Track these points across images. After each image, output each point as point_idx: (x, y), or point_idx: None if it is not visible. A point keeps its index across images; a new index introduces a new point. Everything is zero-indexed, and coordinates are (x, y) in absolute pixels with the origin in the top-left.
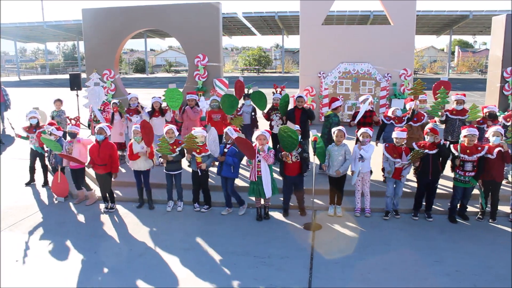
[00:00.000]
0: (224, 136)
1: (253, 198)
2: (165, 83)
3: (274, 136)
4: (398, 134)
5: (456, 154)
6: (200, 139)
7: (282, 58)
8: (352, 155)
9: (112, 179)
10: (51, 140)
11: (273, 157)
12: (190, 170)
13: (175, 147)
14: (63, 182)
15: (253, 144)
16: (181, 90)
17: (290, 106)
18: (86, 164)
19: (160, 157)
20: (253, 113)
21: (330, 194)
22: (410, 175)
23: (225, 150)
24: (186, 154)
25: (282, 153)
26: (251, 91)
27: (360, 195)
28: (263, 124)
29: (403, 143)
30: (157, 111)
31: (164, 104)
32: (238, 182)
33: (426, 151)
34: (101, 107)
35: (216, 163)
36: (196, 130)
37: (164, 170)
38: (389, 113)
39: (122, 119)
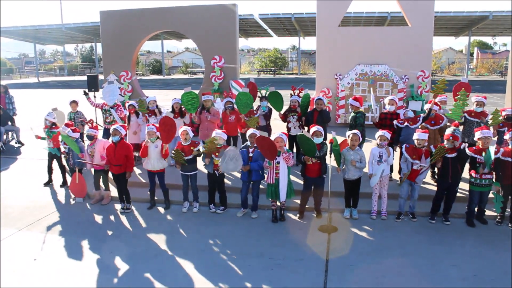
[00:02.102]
0: (248, 138)
1: (268, 201)
2: (181, 85)
3: (291, 138)
4: (419, 136)
5: (475, 156)
6: (219, 141)
7: (299, 60)
8: (370, 157)
9: (127, 179)
10: (72, 140)
11: (293, 159)
12: (205, 170)
13: (192, 148)
14: (81, 183)
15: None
16: (197, 92)
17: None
18: (104, 165)
19: (175, 163)
20: (268, 113)
21: (346, 197)
22: (428, 177)
23: (250, 155)
24: (205, 158)
25: (304, 156)
26: (263, 92)
27: (377, 198)
28: (276, 127)
29: (424, 145)
30: (177, 112)
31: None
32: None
33: (447, 154)
34: (113, 106)
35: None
36: (217, 132)
37: (180, 171)
38: (401, 116)
39: (143, 118)
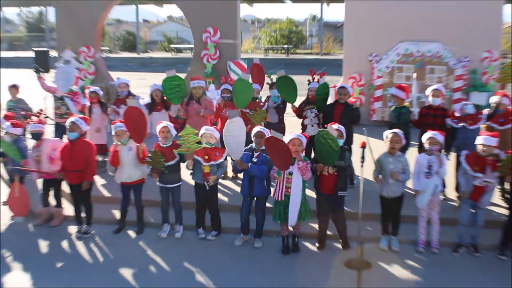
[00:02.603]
0: (253, 138)
1: (277, 224)
2: (162, 66)
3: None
4: (486, 140)
5: None
6: (209, 140)
7: (320, 35)
8: (416, 168)
9: (88, 190)
10: (8, 145)
11: (310, 172)
12: (193, 182)
13: (175, 150)
14: (22, 197)
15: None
16: (183, 76)
17: (330, 100)
18: (56, 173)
19: (151, 171)
20: (282, 105)
21: (382, 221)
22: (496, 197)
23: (254, 160)
24: (186, 161)
25: (317, 164)
26: (273, 78)
27: (426, 223)
28: (292, 124)
29: (492, 153)
30: (158, 103)
31: None
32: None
33: None
34: (68, 96)
35: (240, 175)
36: (207, 128)
37: (158, 182)
38: (457, 112)
39: (109, 110)
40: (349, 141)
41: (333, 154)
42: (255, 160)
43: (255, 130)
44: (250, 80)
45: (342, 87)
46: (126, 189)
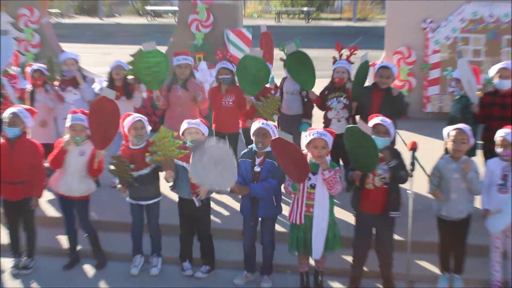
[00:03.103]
0: (254, 137)
1: (294, 256)
2: (135, 36)
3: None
4: None
5: None
6: (195, 137)
7: None
8: (485, 179)
9: (32, 210)
10: None
11: (339, 185)
12: (175, 197)
13: (147, 155)
14: None
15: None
16: (164, 50)
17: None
18: None
19: (118, 184)
20: (303, 93)
21: (441, 252)
22: None
23: (256, 169)
24: (165, 171)
25: (353, 173)
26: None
27: (501, 257)
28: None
29: None
30: (119, 87)
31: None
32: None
33: None
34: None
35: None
36: (190, 122)
37: (128, 198)
38: None
39: (52, 94)
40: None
41: (372, 157)
42: (257, 169)
43: (254, 126)
44: (260, 55)
45: (384, 67)
46: (66, 204)
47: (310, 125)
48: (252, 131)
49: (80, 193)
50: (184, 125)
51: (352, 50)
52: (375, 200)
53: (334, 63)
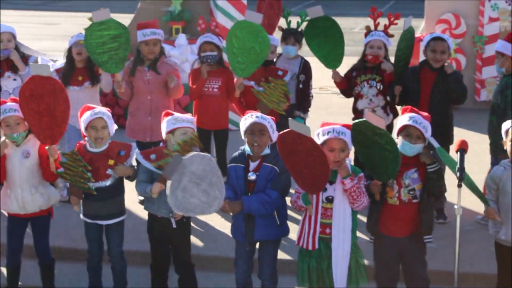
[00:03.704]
0: (245, 136)
1: None
2: (89, 1)
3: None
4: None
5: None
6: (180, 137)
7: None
8: None
9: None
10: None
11: (366, 197)
12: (144, 214)
13: (110, 161)
14: None
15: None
16: (124, 20)
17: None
18: None
19: (69, 191)
20: (301, 76)
21: (500, 287)
22: None
23: (251, 177)
24: (156, 184)
25: (371, 183)
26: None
27: None
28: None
29: None
30: (81, 69)
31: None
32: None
33: None
34: None
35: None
36: (177, 118)
37: (82, 216)
38: None
39: None
40: (448, 136)
41: (391, 160)
42: (252, 177)
43: (245, 120)
44: (259, 21)
45: (437, 38)
46: (17, 227)
47: (304, 120)
48: (243, 128)
49: (36, 206)
50: (174, 122)
51: (392, 19)
52: (401, 219)
53: (367, 34)
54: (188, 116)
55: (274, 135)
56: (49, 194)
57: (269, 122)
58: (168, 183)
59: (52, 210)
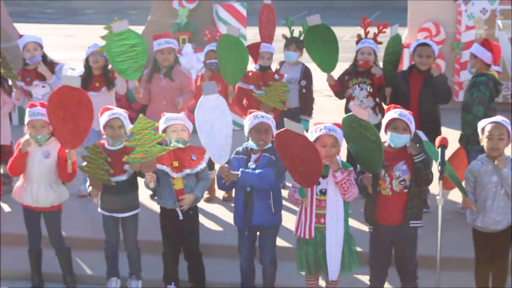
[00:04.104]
0: (250, 134)
1: (301, 276)
2: (104, 14)
3: None
4: None
5: None
6: (180, 136)
7: None
8: None
9: None
10: None
11: (355, 188)
12: (157, 208)
13: (126, 157)
14: None
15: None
16: (140, 31)
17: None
18: None
19: (89, 185)
20: (302, 82)
21: (477, 270)
22: None
23: (251, 166)
24: (146, 174)
25: (363, 177)
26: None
27: None
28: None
29: None
30: (98, 76)
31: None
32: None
33: None
34: None
35: (225, 195)
36: (170, 116)
37: (100, 209)
38: None
39: (16, 92)
40: (436, 133)
41: (375, 151)
42: (253, 166)
43: (251, 120)
44: (237, 33)
45: (423, 44)
46: (32, 218)
47: (309, 123)
48: (248, 127)
49: (49, 202)
50: (165, 121)
51: (381, 28)
52: (395, 209)
53: (358, 42)
54: (180, 115)
55: (275, 132)
56: (61, 192)
57: (272, 121)
58: (201, 99)
59: (62, 206)
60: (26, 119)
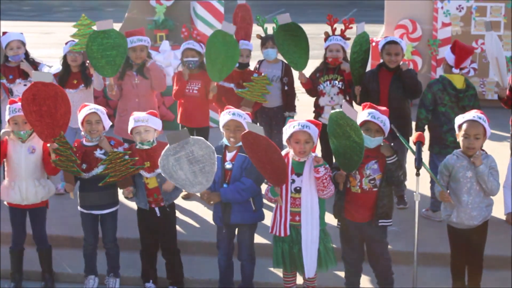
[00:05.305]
0: (223, 130)
1: (279, 273)
2: (81, 11)
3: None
4: None
5: None
6: (145, 137)
7: None
8: (508, 175)
9: None
10: None
11: (333, 186)
12: (134, 205)
13: (102, 182)
14: None
15: (284, 152)
16: (117, 28)
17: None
18: None
19: (64, 179)
20: (285, 79)
21: (453, 266)
22: None
23: (227, 166)
24: (124, 189)
25: (337, 173)
26: (271, 26)
27: None
28: (304, 105)
29: None
30: (75, 74)
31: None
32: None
33: None
34: None
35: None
36: (136, 118)
37: (79, 207)
38: None
39: None
40: (407, 129)
41: (357, 151)
42: (229, 165)
43: (223, 117)
44: (232, 31)
45: (391, 42)
46: (18, 216)
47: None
48: (221, 123)
49: (38, 198)
50: (131, 124)
51: (347, 24)
52: (363, 206)
53: (326, 39)
54: (144, 115)
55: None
56: (49, 186)
57: (244, 118)
58: (168, 146)
59: (48, 201)
60: (7, 116)
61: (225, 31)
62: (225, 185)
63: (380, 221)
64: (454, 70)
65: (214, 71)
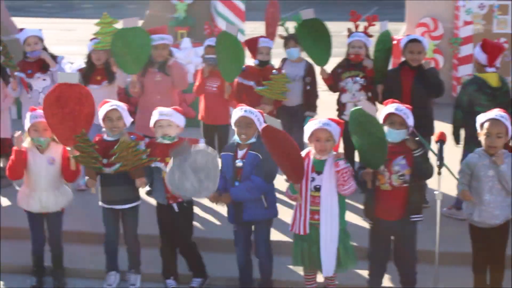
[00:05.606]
0: (234, 128)
1: (299, 271)
2: (102, 8)
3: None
4: None
5: None
6: (167, 131)
7: None
8: None
9: None
10: None
11: (354, 181)
12: (154, 201)
13: (114, 169)
14: None
15: (305, 151)
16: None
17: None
18: None
19: (86, 175)
20: (307, 79)
21: (474, 265)
22: None
23: (238, 164)
24: (137, 179)
25: (363, 171)
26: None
27: None
28: (324, 103)
29: None
30: (99, 70)
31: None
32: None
33: None
34: None
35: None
36: (160, 112)
37: (100, 202)
38: None
39: (12, 83)
40: (429, 127)
41: (379, 147)
42: (239, 163)
43: (235, 114)
44: (235, 32)
45: (413, 40)
46: (37, 221)
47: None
48: (233, 120)
49: (59, 207)
50: (154, 117)
51: (370, 21)
52: (395, 203)
53: (349, 36)
54: (168, 110)
55: (261, 127)
56: (67, 194)
57: (256, 115)
58: (171, 160)
59: (63, 210)
60: (27, 123)
61: (228, 32)
62: (236, 183)
63: (411, 216)
64: (488, 69)
65: (225, 71)
